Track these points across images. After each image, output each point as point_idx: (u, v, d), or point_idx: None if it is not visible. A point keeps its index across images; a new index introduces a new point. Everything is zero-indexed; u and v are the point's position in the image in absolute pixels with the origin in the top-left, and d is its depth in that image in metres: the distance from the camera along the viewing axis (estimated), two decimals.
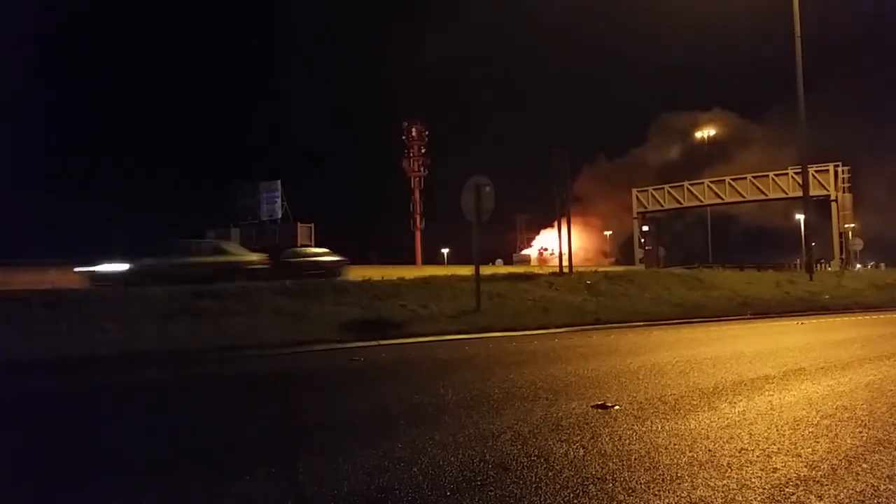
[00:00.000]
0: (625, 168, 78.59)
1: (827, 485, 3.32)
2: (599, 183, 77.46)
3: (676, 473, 3.48)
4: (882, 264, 51.82)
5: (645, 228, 60.21)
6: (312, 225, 56.95)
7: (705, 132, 68.82)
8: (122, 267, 17.13)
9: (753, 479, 3.39)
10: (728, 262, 43.55)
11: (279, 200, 59.53)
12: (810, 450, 3.90)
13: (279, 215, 59.32)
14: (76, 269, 17.50)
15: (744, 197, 56.01)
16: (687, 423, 4.51)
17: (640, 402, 5.17)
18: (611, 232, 76.73)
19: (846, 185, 52.35)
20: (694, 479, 3.39)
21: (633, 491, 3.24)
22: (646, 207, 59.71)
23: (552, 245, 64.70)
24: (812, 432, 4.29)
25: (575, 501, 3.11)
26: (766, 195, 54.81)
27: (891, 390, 5.74)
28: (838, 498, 3.16)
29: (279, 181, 60.08)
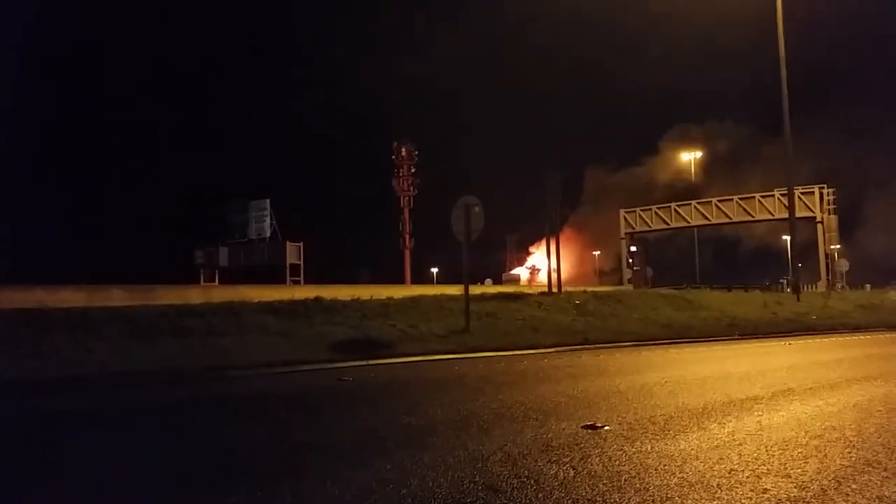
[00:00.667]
0: (629, 182, 77.69)
1: None
2: (602, 196, 76.74)
3: (667, 494, 3.47)
4: (868, 285, 52.22)
5: (633, 249, 60.44)
6: (301, 244, 56.85)
7: (695, 154, 68.72)
8: None
9: (743, 500, 3.38)
10: (716, 283, 43.75)
11: (268, 219, 59.44)
12: (800, 470, 3.90)
13: (268, 234, 59.19)
14: None
15: (730, 218, 56.44)
16: (676, 444, 4.51)
17: (630, 423, 5.16)
18: (598, 252, 76.42)
19: (831, 206, 52.90)
20: (684, 501, 3.38)
21: None
22: (633, 228, 60.00)
23: (542, 265, 64.55)
24: (801, 453, 4.29)
25: None
26: (753, 217, 55.24)
27: (879, 411, 5.76)
28: None
29: (268, 200, 60.05)
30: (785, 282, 52.76)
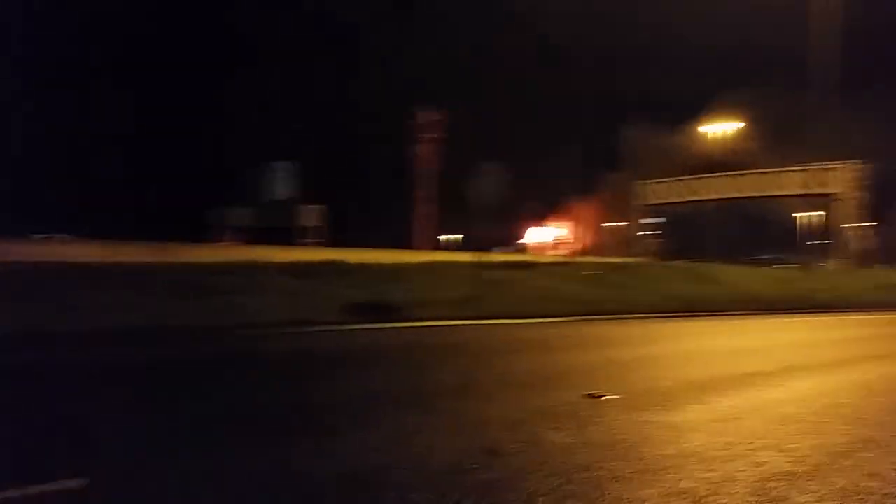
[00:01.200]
0: (666, 148, 74.52)
1: (810, 480, 3.37)
2: (636, 161, 73.96)
3: (663, 464, 3.53)
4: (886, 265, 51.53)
5: (650, 221, 59.93)
6: (322, 206, 56.89)
7: (733, 125, 66.36)
8: None
9: (738, 473, 3.44)
10: (730, 258, 43.36)
11: (289, 181, 59.60)
12: (796, 445, 3.95)
13: (288, 196, 59.35)
14: None
15: (751, 192, 55.69)
16: (677, 416, 4.57)
17: (632, 393, 5.22)
18: (626, 222, 74.51)
19: (853, 183, 52.01)
20: (680, 471, 3.43)
21: (620, 479, 3.29)
22: (652, 199, 59.37)
23: (558, 234, 63.86)
24: (800, 428, 4.34)
25: (562, 488, 3.17)
26: (773, 191, 54.48)
27: (882, 389, 5.79)
28: (820, 493, 3.21)
29: (290, 162, 60.09)
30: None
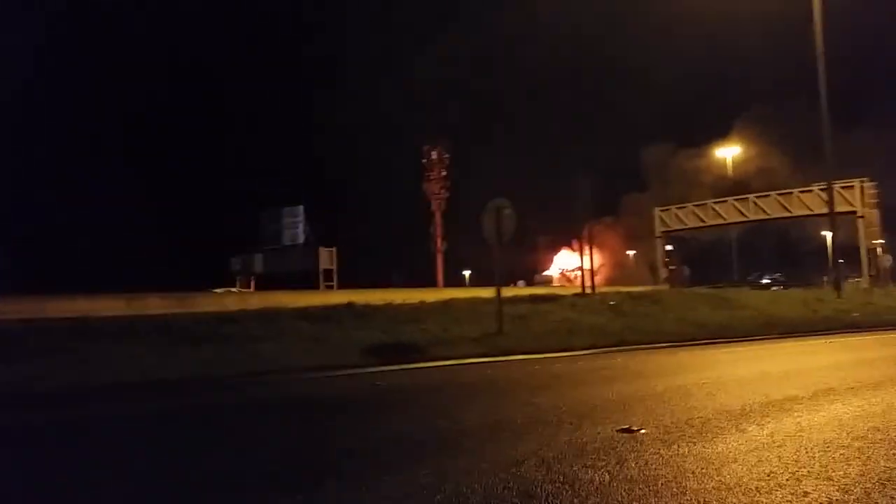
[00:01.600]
0: (687, 172, 73.50)
1: None
2: (661, 182, 73.04)
3: (704, 498, 3.43)
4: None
5: (669, 248, 59.45)
6: (334, 249, 57.23)
7: (737, 149, 65.94)
8: None
9: None
10: (753, 282, 42.95)
11: (301, 225, 60.06)
12: (842, 473, 3.82)
13: (302, 240, 59.78)
14: None
15: (768, 214, 55.31)
16: (714, 447, 4.45)
17: (667, 426, 5.10)
18: (633, 252, 74.32)
19: (872, 200, 51.53)
20: None
21: None
22: (669, 226, 59.03)
23: (579, 264, 63.18)
24: (843, 455, 4.20)
25: None
26: (791, 212, 54.06)
27: None
28: None
29: (301, 206, 60.64)
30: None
